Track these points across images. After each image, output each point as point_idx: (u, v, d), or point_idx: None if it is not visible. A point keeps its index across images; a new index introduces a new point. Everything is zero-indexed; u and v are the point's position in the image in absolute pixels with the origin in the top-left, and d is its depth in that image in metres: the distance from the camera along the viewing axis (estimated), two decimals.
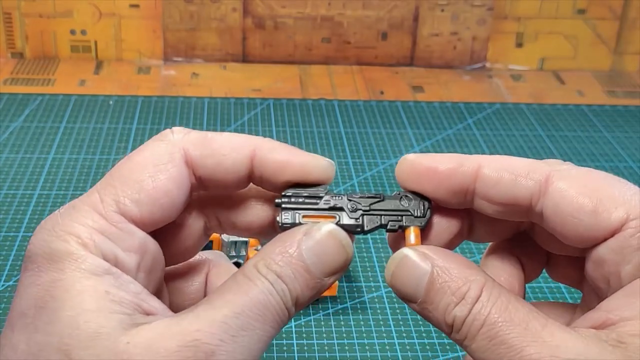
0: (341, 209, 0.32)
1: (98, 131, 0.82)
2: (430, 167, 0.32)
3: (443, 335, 0.57)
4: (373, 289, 0.61)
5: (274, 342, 0.55)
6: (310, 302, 0.30)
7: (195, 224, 0.34)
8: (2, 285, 0.60)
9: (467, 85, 0.99)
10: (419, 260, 0.30)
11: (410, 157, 0.32)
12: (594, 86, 1.00)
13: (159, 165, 0.30)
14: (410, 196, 0.32)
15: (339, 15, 0.99)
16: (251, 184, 0.33)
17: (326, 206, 0.32)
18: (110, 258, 0.29)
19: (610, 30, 1.03)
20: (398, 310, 0.59)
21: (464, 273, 0.29)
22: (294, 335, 0.56)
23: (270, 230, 0.34)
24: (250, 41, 1.00)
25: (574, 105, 0.94)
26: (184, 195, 0.31)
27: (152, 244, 0.31)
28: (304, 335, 0.56)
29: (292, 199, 0.32)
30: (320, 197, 0.32)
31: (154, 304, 0.29)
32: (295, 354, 0.55)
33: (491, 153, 0.82)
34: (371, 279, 0.62)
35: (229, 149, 0.31)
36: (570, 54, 1.03)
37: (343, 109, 0.90)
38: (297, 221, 0.31)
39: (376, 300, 0.60)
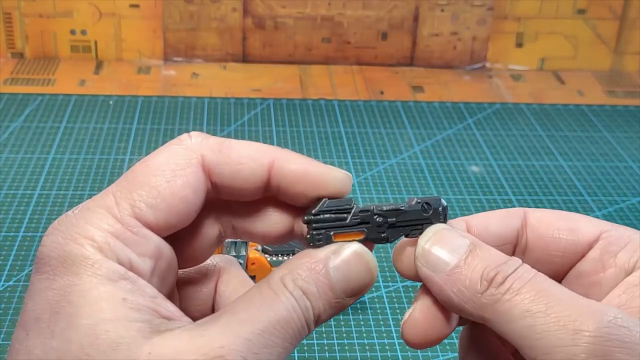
0: (368, 223, 0.32)
1: (98, 131, 0.82)
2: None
3: None
4: (373, 289, 0.61)
5: None
6: (328, 319, 0.30)
7: (210, 231, 0.33)
8: (2, 285, 0.60)
9: (467, 85, 0.99)
10: (458, 234, 0.32)
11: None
12: (594, 86, 1.00)
13: (175, 170, 0.30)
14: (431, 203, 0.33)
15: (339, 15, 0.99)
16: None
17: (354, 222, 0.32)
18: (125, 263, 0.29)
19: (610, 30, 1.03)
20: (398, 310, 0.59)
21: (501, 253, 0.31)
22: None
23: (287, 238, 0.34)
24: (250, 41, 1.00)
25: (574, 105, 0.94)
26: (200, 201, 0.31)
27: (167, 249, 0.31)
28: None
29: (321, 216, 0.32)
30: (348, 212, 0.32)
31: (171, 308, 0.29)
32: (295, 354, 0.55)
33: (491, 153, 0.82)
34: None
35: (247, 158, 0.31)
36: (570, 54, 1.03)
37: (343, 109, 0.90)
38: (329, 240, 0.32)
39: (376, 300, 0.60)
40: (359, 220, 0.32)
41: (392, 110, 0.91)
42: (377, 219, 0.32)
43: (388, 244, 0.34)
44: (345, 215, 0.32)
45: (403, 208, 0.33)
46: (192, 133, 0.32)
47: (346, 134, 0.85)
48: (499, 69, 1.03)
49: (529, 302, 0.28)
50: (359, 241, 0.32)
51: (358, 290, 0.31)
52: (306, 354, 0.55)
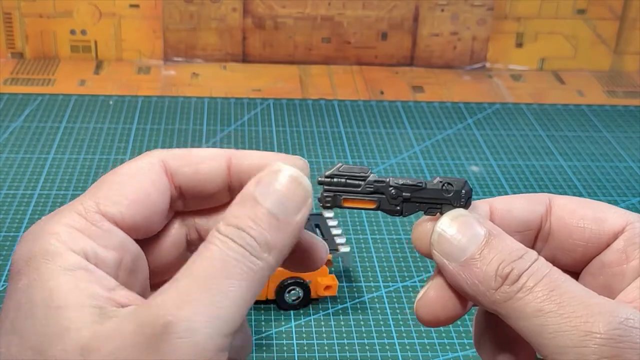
0: (382, 194, 0.32)
1: (98, 131, 0.82)
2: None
3: (443, 335, 0.57)
4: (373, 289, 0.61)
5: (274, 342, 0.55)
6: (290, 247, 0.29)
7: (177, 234, 0.34)
8: (2, 285, 0.60)
9: (467, 85, 0.99)
10: (476, 223, 0.31)
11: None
12: (594, 86, 1.00)
13: (138, 173, 0.31)
14: (453, 184, 0.32)
15: (339, 15, 0.99)
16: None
17: (367, 190, 0.32)
18: (89, 255, 0.29)
19: (610, 30, 1.03)
20: (398, 310, 0.59)
21: (518, 244, 0.31)
22: (294, 335, 0.56)
23: None
24: (250, 41, 1.00)
25: (574, 105, 0.94)
26: (164, 202, 0.32)
27: (133, 245, 0.31)
28: (304, 335, 0.56)
29: (334, 179, 0.32)
30: (363, 179, 0.32)
31: (131, 297, 0.29)
32: (295, 354, 0.55)
33: (491, 153, 0.82)
34: (371, 279, 0.62)
35: (206, 158, 0.32)
36: (570, 54, 1.03)
37: (343, 109, 0.90)
38: (337, 203, 0.32)
39: (376, 300, 0.60)
40: (372, 189, 0.32)
41: (392, 110, 0.91)
42: (392, 191, 0.32)
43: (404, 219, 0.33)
44: (359, 182, 0.32)
45: (421, 185, 0.32)
46: (153, 150, 0.33)
47: (346, 134, 0.85)
48: (499, 69, 1.03)
49: (541, 301, 0.28)
50: (371, 209, 0.32)
51: (297, 203, 0.30)
52: (306, 354, 0.55)
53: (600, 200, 0.74)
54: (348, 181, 0.32)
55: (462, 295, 0.32)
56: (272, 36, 1.00)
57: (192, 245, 0.35)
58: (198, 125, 0.85)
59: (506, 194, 0.75)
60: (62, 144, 0.80)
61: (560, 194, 0.75)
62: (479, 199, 0.33)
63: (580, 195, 0.75)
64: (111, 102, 0.89)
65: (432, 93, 0.96)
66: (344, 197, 0.32)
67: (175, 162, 0.32)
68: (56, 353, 0.27)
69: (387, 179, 0.32)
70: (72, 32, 0.98)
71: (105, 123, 0.84)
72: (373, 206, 0.32)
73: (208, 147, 0.80)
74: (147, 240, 0.32)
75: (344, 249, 0.58)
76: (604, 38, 1.03)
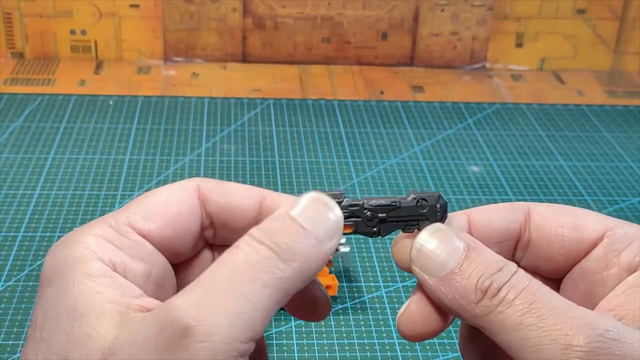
0: (358, 217, 0.32)
1: (98, 131, 0.82)
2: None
3: (443, 335, 0.57)
4: (373, 289, 0.61)
5: (274, 342, 0.55)
6: (313, 270, 0.29)
7: (208, 265, 0.34)
8: (2, 285, 0.60)
9: (467, 85, 0.99)
10: (454, 237, 0.31)
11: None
12: (594, 86, 1.00)
13: (171, 193, 0.32)
14: (427, 199, 0.32)
15: (339, 15, 0.99)
16: None
17: (344, 215, 0.32)
18: (117, 264, 0.30)
19: (610, 30, 1.03)
20: (398, 310, 0.59)
21: (497, 256, 0.31)
22: (294, 335, 0.56)
23: None
24: (250, 41, 1.00)
25: (574, 105, 0.94)
26: (194, 224, 0.32)
27: (162, 260, 0.32)
28: (304, 335, 0.56)
29: None
30: (338, 204, 0.32)
31: (156, 303, 0.29)
32: (295, 354, 0.55)
33: (491, 153, 0.82)
34: (371, 279, 0.62)
35: (238, 193, 0.33)
36: (570, 54, 1.03)
37: (343, 109, 0.90)
38: None
39: (376, 300, 0.60)
40: (347, 213, 0.32)
41: (392, 110, 0.91)
42: (367, 214, 0.32)
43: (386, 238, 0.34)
44: None
45: (395, 204, 0.32)
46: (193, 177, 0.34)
47: (346, 134, 0.85)
48: (499, 69, 1.03)
49: (521, 315, 0.28)
50: (349, 234, 0.32)
51: (325, 224, 0.29)
52: (306, 354, 0.55)
53: (600, 200, 0.74)
54: None
55: (444, 310, 0.32)
56: (272, 36, 1.00)
57: None
58: (198, 125, 0.85)
59: (506, 194, 0.75)
60: (62, 144, 0.80)
61: (560, 194, 0.75)
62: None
63: (580, 195, 0.75)
64: (111, 102, 0.89)
65: (432, 93, 0.96)
66: None
67: (208, 188, 0.32)
68: (79, 359, 0.27)
69: (361, 202, 0.32)
70: (72, 32, 0.98)
71: (105, 123, 0.84)
72: (350, 231, 0.32)
73: (208, 146, 0.80)
74: (178, 266, 0.33)
75: (344, 249, 0.58)
76: (604, 38, 1.03)
